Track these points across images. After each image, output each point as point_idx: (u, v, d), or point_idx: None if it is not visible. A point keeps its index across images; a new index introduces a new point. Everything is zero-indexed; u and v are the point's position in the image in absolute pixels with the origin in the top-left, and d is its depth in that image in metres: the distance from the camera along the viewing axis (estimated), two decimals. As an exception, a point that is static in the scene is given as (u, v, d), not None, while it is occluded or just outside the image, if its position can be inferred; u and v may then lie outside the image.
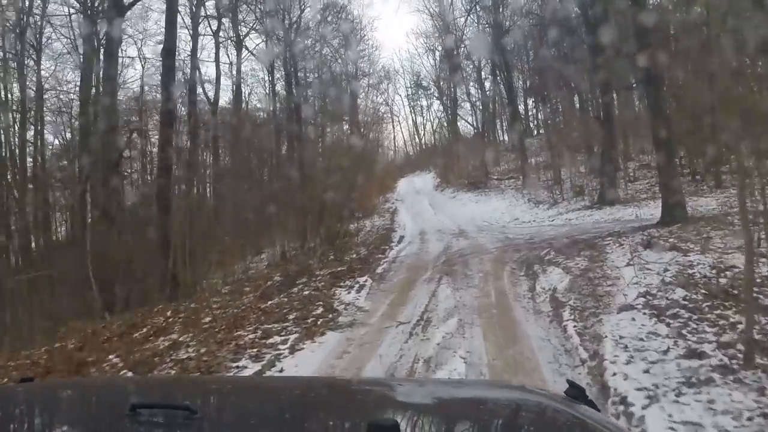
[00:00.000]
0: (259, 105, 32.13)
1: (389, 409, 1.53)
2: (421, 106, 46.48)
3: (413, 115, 47.58)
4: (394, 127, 52.96)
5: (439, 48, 39.03)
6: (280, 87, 30.18)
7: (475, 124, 40.54)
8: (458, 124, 39.94)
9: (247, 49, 28.83)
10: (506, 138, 39.51)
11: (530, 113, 41.77)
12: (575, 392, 1.51)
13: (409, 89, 45.72)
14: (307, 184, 19.79)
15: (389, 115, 46.00)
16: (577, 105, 33.13)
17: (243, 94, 28.49)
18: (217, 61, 25.73)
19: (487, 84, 38.83)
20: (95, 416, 1.48)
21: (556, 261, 11.27)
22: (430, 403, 1.56)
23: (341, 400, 1.59)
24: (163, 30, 17.33)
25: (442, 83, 40.80)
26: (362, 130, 33.98)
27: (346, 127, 31.13)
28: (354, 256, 15.03)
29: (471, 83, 39.72)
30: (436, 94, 42.35)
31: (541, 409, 1.47)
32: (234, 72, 28.52)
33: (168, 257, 16.09)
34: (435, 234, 17.93)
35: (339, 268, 12.60)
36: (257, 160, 25.90)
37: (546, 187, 24.17)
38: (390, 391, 1.85)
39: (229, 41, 26.70)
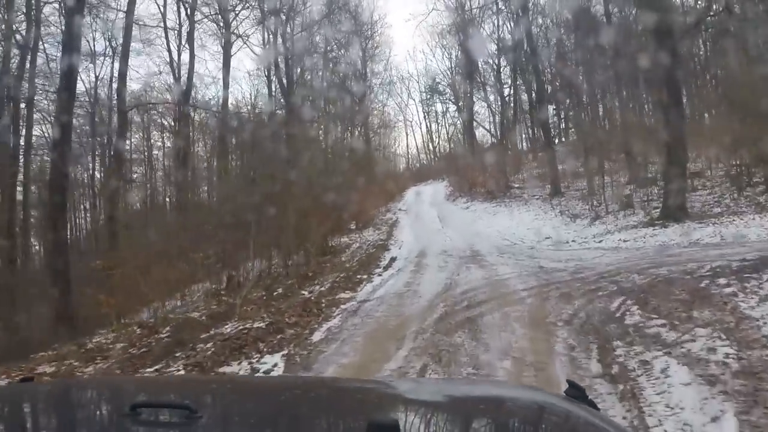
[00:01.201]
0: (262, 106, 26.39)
1: (389, 408, 1.35)
2: (436, 112, 40.39)
3: (427, 121, 41.48)
4: (407, 134, 47.23)
5: (456, 46, 33.05)
6: (276, 84, 24.53)
7: (492, 130, 34.44)
8: (475, 130, 33.91)
9: (238, 35, 23.19)
10: (526, 145, 33.45)
11: (551, 120, 35.56)
12: (575, 392, 1.37)
13: (423, 93, 39.74)
14: (285, 195, 13.91)
15: (401, 122, 40.16)
16: (601, 108, 27.06)
17: (248, 93, 22.79)
18: (191, 42, 20.16)
19: (507, 89, 32.77)
20: (95, 416, 1.33)
21: (652, 331, 5.33)
22: (430, 403, 1.40)
23: (341, 400, 1.41)
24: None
25: (458, 86, 34.86)
26: (364, 130, 28.33)
27: (343, 128, 25.33)
28: (308, 292, 9.21)
29: (488, 87, 33.70)
30: (452, 98, 36.36)
31: (541, 409, 1.33)
32: (225, 65, 22.93)
33: (61, 287, 10.53)
34: (437, 257, 11.98)
35: (257, 324, 6.76)
36: (233, 163, 20.39)
37: (581, 198, 18.10)
38: (390, 390, 1.59)
39: (209, 20, 21.07)
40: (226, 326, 7.09)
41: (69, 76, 10.98)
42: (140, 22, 17.41)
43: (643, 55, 16.69)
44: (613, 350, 4.97)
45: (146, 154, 25.62)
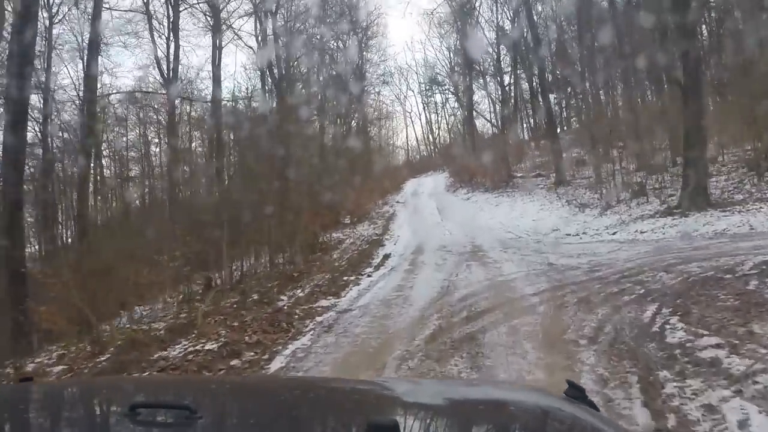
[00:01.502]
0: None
1: (389, 409, 1.31)
2: (435, 103, 38.87)
3: (427, 112, 40.04)
4: (406, 126, 45.80)
5: (454, 35, 31.48)
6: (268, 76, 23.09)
7: (493, 120, 32.92)
8: (475, 121, 32.39)
9: (228, 26, 21.69)
10: (527, 134, 31.95)
11: (554, 109, 33.93)
12: (575, 392, 1.30)
13: (423, 84, 38.21)
14: (275, 190, 12.54)
15: (400, 113, 38.74)
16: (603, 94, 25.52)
17: (244, 87, 21.36)
18: (175, 33, 18.77)
19: (507, 78, 31.16)
20: (95, 416, 1.28)
21: (707, 356, 3.99)
22: (430, 403, 1.35)
23: (341, 400, 1.36)
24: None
25: (457, 76, 33.30)
26: (361, 120, 26.91)
27: (338, 118, 23.93)
28: (287, 297, 7.90)
29: (488, 76, 32.10)
30: (451, 89, 34.81)
31: (541, 409, 1.29)
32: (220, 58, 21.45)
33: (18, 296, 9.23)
34: (435, 254, 10.66)
35: (211, 344, 5.44)
36: (231, 158, 19.04)
37: (588, 186, 16.70)
38: (390, 391, 1.52)
39: (195, 9, 19.63)
40: (177, 346, 5.78)
41: (23, 56, 9.68)
42: (109, 7, 16.01)
43: (653, 39, 15.29)
44: (661, 386, 3.62)
45: (142, 151, 24.49)
